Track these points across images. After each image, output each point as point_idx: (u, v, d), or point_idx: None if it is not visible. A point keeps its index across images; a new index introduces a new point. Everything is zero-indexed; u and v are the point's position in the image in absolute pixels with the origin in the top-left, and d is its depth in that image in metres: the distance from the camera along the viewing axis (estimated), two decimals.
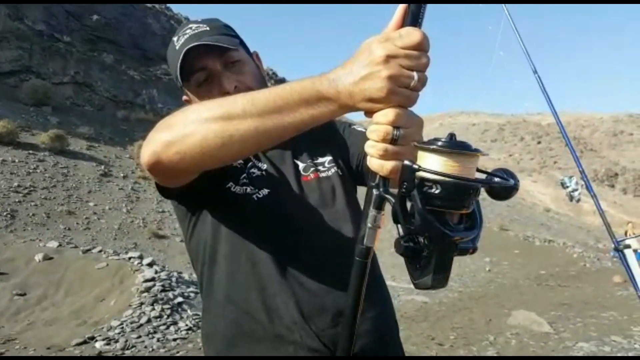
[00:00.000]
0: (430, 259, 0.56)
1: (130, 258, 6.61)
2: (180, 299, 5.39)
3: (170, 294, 5.40)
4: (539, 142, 74.63)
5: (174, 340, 4.48)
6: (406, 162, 0.56)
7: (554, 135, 79.09)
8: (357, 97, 0.59)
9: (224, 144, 0.67)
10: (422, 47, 0.57)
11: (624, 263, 2.45)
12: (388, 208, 0.62)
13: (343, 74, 0.60)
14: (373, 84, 0.57)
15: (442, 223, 0.55)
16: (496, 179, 0.61)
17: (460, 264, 12.54)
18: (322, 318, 0.87)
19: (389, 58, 0.56)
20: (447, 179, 0.54)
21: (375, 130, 0.59)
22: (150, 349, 4.19)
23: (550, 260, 14.43)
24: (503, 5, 2.29)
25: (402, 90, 0.57)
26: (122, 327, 4.52)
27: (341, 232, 0.96)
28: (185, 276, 6.36)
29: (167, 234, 9.52)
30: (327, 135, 1.08)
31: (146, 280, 5.58)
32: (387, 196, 0.61)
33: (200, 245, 0.97)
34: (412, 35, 0.56)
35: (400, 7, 0.59)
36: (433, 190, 0.55)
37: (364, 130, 1.06)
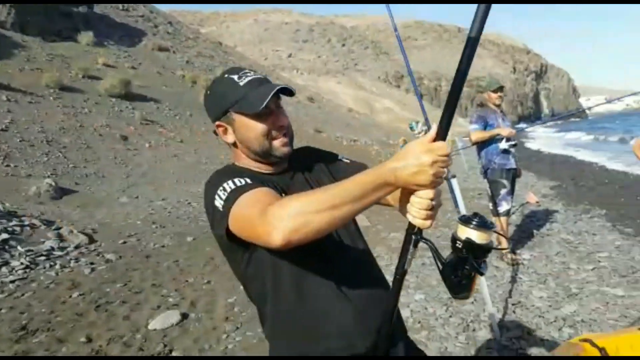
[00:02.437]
0: (466, 281, 1.00)
1: None
2: (5, 235, 4.83)
3: None
4: (343, 45, 79.51)
5: (12, 282, 4.11)
6: (476, 240, 0.95)
7: (356, 39, 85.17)
8: (410, 183, 0.92)
9: (332, 225, 0.95)
10: (447, 154, 0.89)
11: (450, 187, 3.22)
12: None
13: (399, 167, 0.90)
14: (424, 177, 0.90)
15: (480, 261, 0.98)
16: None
17: None
18: (368, 323, 1.15)
19: (433, 163, 0.88)
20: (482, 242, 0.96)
21: (419, 202, 0.94)
22: None
23: (353, 157, 16.58)
24: None
25: (438, 180, 0.91)
26: None
27: (359, 248, 1.29)
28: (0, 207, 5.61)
29: None
30: (330, 169, 1.37)
31: None
32: (424, 241, 1.01)
33: (262, 269, 1.18)
34: (443, 148, 0.89)
35: (435, 127, 0.90)
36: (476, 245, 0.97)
37: (348, 161, 1.42)
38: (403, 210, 1.00)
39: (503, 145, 4.47)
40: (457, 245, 0.96)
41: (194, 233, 5.96)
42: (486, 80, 4.86)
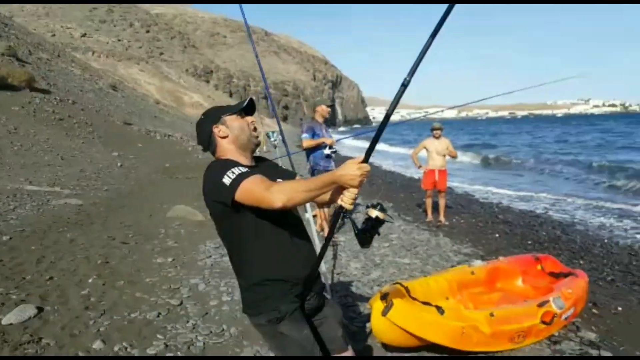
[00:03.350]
0: (371, 238, 1.71)
1: None
2: None
3: None
4: (147, 31, 74.83)
5: None
6: (380, 217, 1.71)
7: (162, 27, 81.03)
8: (346, 184, 1.59)
9: (304, 201, 1.62)
10: (368, 170, 1.59)
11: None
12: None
13: (343, 174, 1.57)
14: (355, 182, 1.57)
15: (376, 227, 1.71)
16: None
17: (91, 161, 12.62)
18: (308, 262, 1.81)
19: (360, 175, 1.57)
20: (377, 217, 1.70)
21: (349, 194, 1.62)
22: None
23: (170, 153, 16.31)
24: None
25: (361, 183, 1.60)
26: None
27: (301, 222, 1.94)
28: None
29: None
30: (269, 165, 2.03)
31: None
32: (348, 216, 1.71)
33: (244, 225, 1.76)
34: (367, 167, 1.58)
35: (359, 157, 1.60)
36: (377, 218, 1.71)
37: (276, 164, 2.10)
38: (333, 199, 1.73)
39: (326, 151, 5.54)
40: (369, 219, 1.72)
41: (7, 232, 5.51)
42: (321, 97, 5.89)
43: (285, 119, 79.42)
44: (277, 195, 1.59)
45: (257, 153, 2.03)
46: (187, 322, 3.56)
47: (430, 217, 7.72)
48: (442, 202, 7.67)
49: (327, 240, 1.78)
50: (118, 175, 11.29)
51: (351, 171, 1.57)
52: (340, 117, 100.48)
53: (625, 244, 7.00)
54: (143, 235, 5.99)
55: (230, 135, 1.86)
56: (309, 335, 1.80)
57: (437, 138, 7.51)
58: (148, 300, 3.93)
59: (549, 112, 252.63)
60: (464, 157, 19.29)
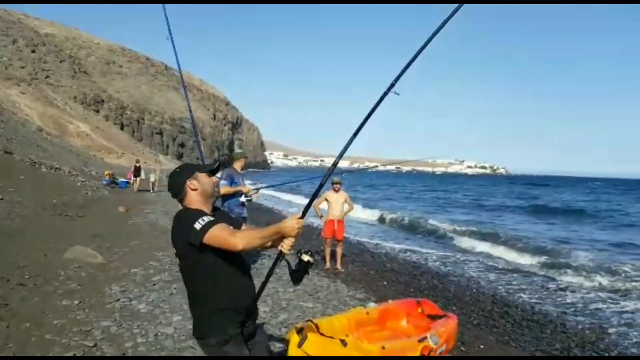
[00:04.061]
0: (302, 277, 2.24)
1: None
2: None
3: None
4: (33, 51, 69.25)
5: None
6: (310, 261, 2.22)
7: (51, 48, 75.58)
8: (287, 234, 2.13)
9: (257, 246, 2.10)
10: (301, 226, 2.15)
11: None
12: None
13: (286, 227, 2.11)
14: (294, 232, 2.12)
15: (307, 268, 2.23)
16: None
17: None
18: (250, 293, 2.28)
19: (298, 228, 2.12)
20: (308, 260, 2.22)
21: (289, 242, 2.16)
22: None
23: (58, 188, 15.24)
24: None
25: (298, 234, 2.15)
26: None
27: (246, 260, 2.37)
28: None
29: None
30: (224, 214, 2.47)
31: None
32: (285, 259, 2.22)
33: (205, 263, 2.16)
34: (302, 222, 2.15)
35: (298, 214, 2.16)
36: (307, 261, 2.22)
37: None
38: (275, 245, 2.22)
39: (242, 199, 5.98)
40: (301, 262, 2.23)
41: None
42: (238, 152, 6.37)
43: (180, 156, 77.26)
44: (239, 240, 2.07)
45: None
46: None
47: (328, 264, 8.39)
48: (339, 251, 8.41)
49: (267, 278, 2.27)
50: (0, 211, 10.41)
51: (291, 224, 2.12)
52: (230, 157, 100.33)
53: (489, 293, 8.29)
54: (41, 276, 5.77)
55: (199, 189, 2.32)
56: (248, 355, 2.27)
57: (336, 191, 8.33)
58: (59, 342, 3.94)
59: (429, 169, 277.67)
60: (362, 214, 20.76)
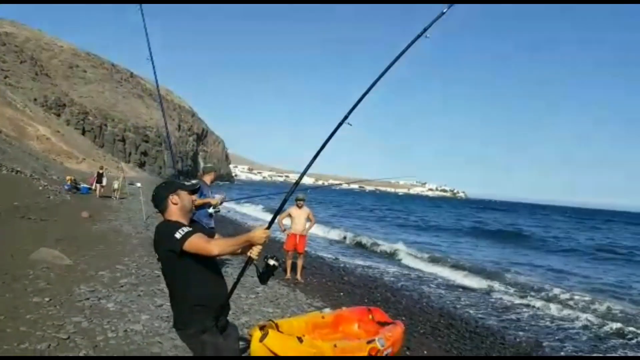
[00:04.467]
0: (268, 278, 2.72)
1: None
2: None
3: None
4: None
5: None
6: (275, 265, 2.72)
7: (11, 48, 73.22)
8: (256, 243, 2.56)
9: (229, 253, 2.51)
10: (269, 234, 2.62)
11: None
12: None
13: (255, 236, 2.55)
14: (262, 240, 2.56)
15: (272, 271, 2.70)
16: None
17: None
18: (224, 293, 2.69)
19: (265, 237, 2.57)
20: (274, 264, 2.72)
21: (257, 248, 2.60)
22: None
23: (19, 191, 15.04)
24: None
25: (265, 242, 2.60)
26: None
27: (218, 264, 2.78)
28: None
29: None
30: (198, 226, 2.83)
31: None
32: (254, 263, 2.67)
33: (184, 267, 2.53)
34: (269, 232, 2.61)
35: (265, 225, 2.64)
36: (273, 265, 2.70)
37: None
38: (244, 252, 2.64)
39: (210, 210, 6.38)
40: (268, 265, 2.68)
41: None
42: (209, 166, 6.77)
43: (142, 165, 75.82)
44: (215, 247, 2.49)
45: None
46: (79, 352, 3.98)
47: (289, 275, 8.82)
48: (300, 263, 8.87)
49: (238, 279, 2.72)
50: None
51: (260, 234, 2.56)
52: (201, 170, 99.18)
53: (437, 307, 8.91)
54: (9, 275, 5.95)
55: (179, 204, 2.73)
56: (222, 342, 2.69)
57: (300, 207, 8.81)
58: (34, 334, 4.21)
59: (392, 189, 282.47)
60: (321, 232, 21.20)
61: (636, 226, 62.73)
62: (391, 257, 16.69)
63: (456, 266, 14.92)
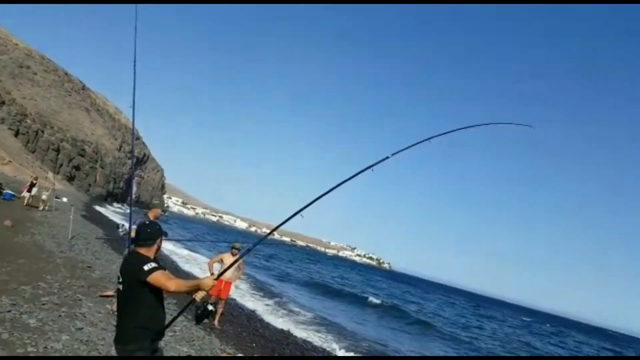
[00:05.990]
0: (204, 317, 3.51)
1: None
2: None
3: None
4: None
5: None
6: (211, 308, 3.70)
7: None
8: (204, 289, 3.22)
9: (185, 291, 3.15)
10: (216, 284, 3.29)
11: None
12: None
13: (204, 283, 3.21)
14: (208, 287, 3.22)
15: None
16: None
17: None
18: (164, 321, 3.27)
19: (212, 285, 3.24)
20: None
21: (202, 293, 3.26)
22: None
23: None
24: None
25: (211, 289, 3.28)
26: None
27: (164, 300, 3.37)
28: None
29: None
30: (159, 262, 3.44)
31: None
32: (197, 305, 3.41)
33: (142, 294, 3.09)
34: (216, 282, 3.27)
35: (214, 275, 3.41)
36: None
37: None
38: (191, 294, 3.26)
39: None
40: (206, 309, 3.44)
41: None
42: (157, 202, 7.17)
43: (72, 178, 72.22)
44: (172, 285, 3.11)
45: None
46: None
47: (207, 319, 9.12)
48: (219, 309, 9.20)
49: (178, 314, 3.32)
50: None
51: (209, 283, 3.21)
52: (134, 195, 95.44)
53: None
54: None
55: (154, 247, 3.37)
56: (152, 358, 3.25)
57: (233, 255, 9.29)
58: None
59: (322, 249, 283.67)
60: (247, 285, 21.31)
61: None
62: (311, 317, 17.13)
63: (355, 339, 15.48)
